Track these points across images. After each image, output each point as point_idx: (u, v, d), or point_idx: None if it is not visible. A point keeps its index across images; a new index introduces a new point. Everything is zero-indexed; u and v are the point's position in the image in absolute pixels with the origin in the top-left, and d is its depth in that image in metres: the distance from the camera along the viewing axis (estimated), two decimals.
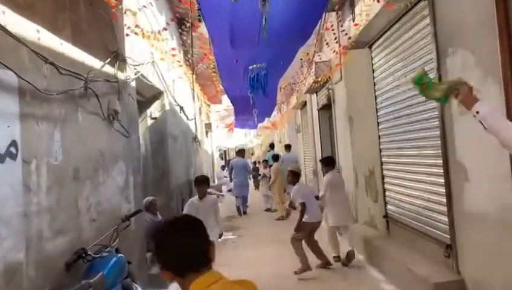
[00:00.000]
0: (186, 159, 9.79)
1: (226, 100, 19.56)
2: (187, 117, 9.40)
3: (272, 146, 15.71)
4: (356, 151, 7.04)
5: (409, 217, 4.92)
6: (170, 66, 7.91)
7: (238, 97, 12.46)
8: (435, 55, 3.92)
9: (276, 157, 11.97)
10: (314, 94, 10.46)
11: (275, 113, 20.85)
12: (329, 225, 5.99)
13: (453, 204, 3.83)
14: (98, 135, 3.73)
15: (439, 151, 3.98)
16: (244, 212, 11.73)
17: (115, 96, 4.24)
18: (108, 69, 4.15)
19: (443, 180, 3.95)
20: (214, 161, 23.46)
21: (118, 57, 4.41)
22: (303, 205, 5.55)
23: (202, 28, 7.69)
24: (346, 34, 5.82)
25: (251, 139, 33.70)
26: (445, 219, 4.00)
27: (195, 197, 5.37)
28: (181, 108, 8.53)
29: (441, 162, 3.95)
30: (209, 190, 14.82)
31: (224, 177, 22.67)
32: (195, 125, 11.22)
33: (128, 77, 4.83)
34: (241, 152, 14.03)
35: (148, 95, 6.86)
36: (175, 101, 7.98)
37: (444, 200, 3.96)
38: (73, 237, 3.04)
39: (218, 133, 27.25)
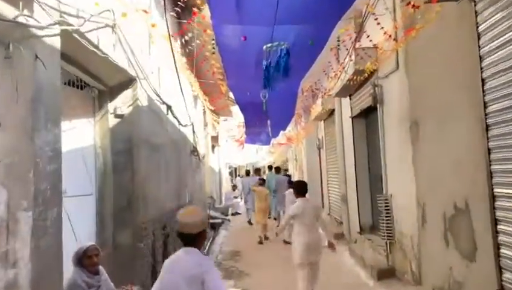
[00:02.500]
0: (178, 178, 7.42)
1: (237, 115, 17.39)
2: (179, 122, 7.06)
3: (270, 168, 15.14)
4: (425, 173, 4.59)
5: None
6: (154, 47, 5.64)
7: (248, 103, 10.11)
8: None
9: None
10: (347, 97, 8.07)
11: (289, 128, 18.54)
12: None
13: None
14: None
15: None
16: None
17: None
18: None
19: None
20: (221, 180, 21.06)
21: None
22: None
23: (205, 11, 5.49)
24: None
25: (263, 156, 31.27)
26: None
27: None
28: (169, 108, 6.21)
29: None
30: (212, 214, 12.37)
31: (234, 197, 20.24)
32: (194, 135, 8.88)
33: (41, 24, 2.55)
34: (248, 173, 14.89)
35: (108, 80, 4.57)
36: (159, 96, 5.66)
37: None
38: None
39: (226, 148, 24.96)
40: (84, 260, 3.24)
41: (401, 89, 5.17)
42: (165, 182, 6.20)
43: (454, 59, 3.77)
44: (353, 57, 6.05)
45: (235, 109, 17.75)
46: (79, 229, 4.22)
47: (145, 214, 4.97)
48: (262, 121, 11.76)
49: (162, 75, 6.13)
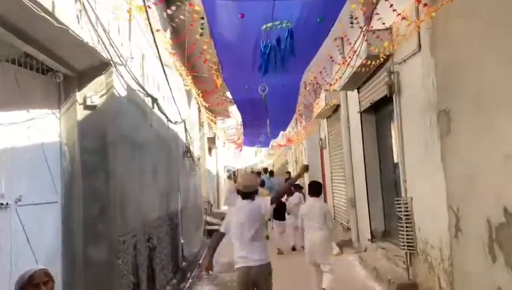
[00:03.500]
0: (168, 182, 6.63)
1: (235, 115, 16.59)
2: (168, 118, 6.26)
3: (266, 171, 15.42)
4: (460, 172, 3.80)
5: None
6: (137, 30, 4.85)
7: (246, 100, 9.33)
8: None
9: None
10: (355, 91, 7.29)
11: (289, 129, 17.75)
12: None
13: None
14: None
15: None
16: None
17: None
18: None
19: None
20: (219, 184, 20.23)
21: None
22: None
23: None
24: None
25: (262, 158, 30.47)
26: None
27: None
28: (155, 101, 5.42)
29: None
30: (208, 219, 11.52)
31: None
32: (187, 133, 8.09)
33: None
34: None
35: (75, 62, 3.78)
36: (141, 87, 4.86)
37: None
38: None
39: (224, 151, 24.15)
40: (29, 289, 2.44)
41: (425, 73, 4.39)
42: (151, 186, 5.40)
43: (502, 25, 3.00)
44: (367, 39, 5.27)
45: (233, 110, 17.05)
46: (39, 245, 3.42)
47: (124, 224, 4.16)
48: (261, 120, 10.97)
49: (147, 63, 5.35)
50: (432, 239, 4.53)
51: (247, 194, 3.85)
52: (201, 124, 12.63)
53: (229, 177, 25.99)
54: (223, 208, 20.71)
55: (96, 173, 3.90)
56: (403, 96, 5.15)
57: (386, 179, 6.92)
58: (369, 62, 5.20)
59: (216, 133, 16.82)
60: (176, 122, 6.70)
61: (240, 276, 3.78)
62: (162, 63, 4.81)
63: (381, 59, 5.15)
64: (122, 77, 4.22)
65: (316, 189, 5.38)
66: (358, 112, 7.19)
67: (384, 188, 7.03)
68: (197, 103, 10.23)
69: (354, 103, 7.63)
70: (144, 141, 5.11)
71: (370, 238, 7.08)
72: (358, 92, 7.18)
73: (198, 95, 8.39)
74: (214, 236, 4.22)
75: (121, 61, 4.18)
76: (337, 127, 9.45)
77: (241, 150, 24.73)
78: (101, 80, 3.97)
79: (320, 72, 7.73)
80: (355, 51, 5.80)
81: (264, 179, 12.16)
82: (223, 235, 4.01)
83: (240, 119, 13.06)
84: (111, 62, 3.96)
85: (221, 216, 16.11)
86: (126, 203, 4.28)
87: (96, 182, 3.89)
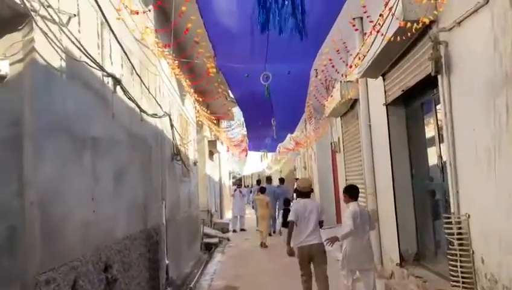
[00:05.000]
0: (144, 191, 5.28)
1: (239, 116, 15.22)
2: (140, 108, 4.89)
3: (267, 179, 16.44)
4: None
5: None
6: None
7: (247, 94, 8.01)
8: None
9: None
10: (379, 79, 5.90)
11: (297, 132, 16.33)
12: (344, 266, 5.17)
13: None
14: None
15: None
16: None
17: None
18: None
19: None
20: (222, 191, 18.84)
21: None
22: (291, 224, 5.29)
23: None
24: None
25: (268, 164, 29.03)
26: None
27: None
28: (117, 83, 4.05)
29: None
30: (206, 231, 10.09)
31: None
32: (173, 131, 6.74)
33: None
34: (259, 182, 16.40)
35: None
36: (91, 59, 3.49)
37: None
38: None
39: (228, 156, 22.82)
40: None
41: (497, 35, 2.99)
42: (112, 197, 4.04)
43: None
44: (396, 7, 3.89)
45: (237, 111, 15.70)
46: None
47: (51, 255, 2.80)
48: (266, 120, 9.61)
49: (107, 31, 4.01)
50: (504, 275, 3.11)
51: (305, 193, 5.48)
52: (199, 125, 11.28)
53: (235, 184, 24.32)
54: (228, 217, 19.32)
55: (1, 180, 2.55)
56: (454, 75, 3.74)
57: (421, 188, 5.50)
58: (410, 24, 3.78)
59: (218, 136, 15.49)
60: (155, 116, 5.34)
61: (304, 251, 5.13)
62: (117, 40, 3.42)
63: (423, 23, 3.76)
64: (53, 35, 2.88)
65: (356, 192, 5.36)
66: (384, 104, 5.78)
67: (417, 199, 5.61)
68: (194, 100, 8.89)
69: (377, 95, 6.24)
70: (101, 137, 3.76)
71: (399, 262, 5.65)
72: (384, 78, 5.78)
73: (187, 83, 7.04)
74: (289, 226, 5.30)
75: (51, 15, 2.84)
76: (354, 127, 8.04)
77: (246, 155, 23.39)
78: (13, 37, 2.64)
79: (332, 64, 6.33)
80: (382, 23, 4.41)
81: (265, 187, 13.21)
82: (293, 223, 5.22)
83: (242, 119, 11.71)
84: (30, 12, 2.62)
85: (222, 226, 14.73)
86: (59, 223, 2.92)
87: (1, 194, 2.55)
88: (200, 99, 8.34)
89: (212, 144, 14.61)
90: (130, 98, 4.33)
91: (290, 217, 5.28)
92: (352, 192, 5.31)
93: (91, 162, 3.54)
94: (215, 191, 16.41)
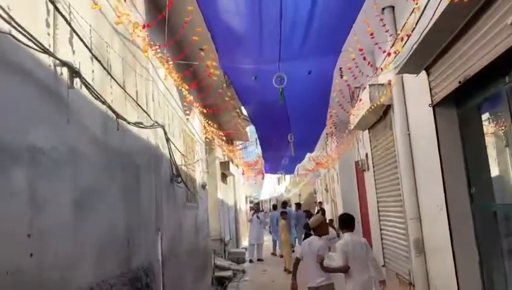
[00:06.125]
0: (128, 221, 4.14)
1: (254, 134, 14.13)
2: (117, 115, 3.76)
3: (284, 204, 14.99)
4: None
5: None
6: None
7: (258, 104, 6.93)
8: None
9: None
10: (422, 75, 4.71)
11: (317, 153, 15.08)
12: None
13: None
14: None
15: None
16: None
17: None
18: None
19: None
20: (237, 217, 17.56)
21: None
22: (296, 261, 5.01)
23: None
24: None
25: (286, 187, 27.65)
26: None
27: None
28: (74, 73, 2.96)
29: None
30: (218, 263, 8.71)
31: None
32: (169, 145, 5.64)
33: None
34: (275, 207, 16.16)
35: None
36: (28, 35, 2.43)
37: None
38: None
39: (243, 179, 21.65)
40: None
41: None
42: (71, 231, 2.91)
43: None
44: None
45: (251, 130, 14.62)
46: None
47: None
48: (282, 134, 8.44)
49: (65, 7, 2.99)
50: None
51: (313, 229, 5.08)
52: (208, 143, 10.20)
53: (253, 209, 22.87)
54: (244, 243, 17.95)
55: None
56: None
57: (483, 211, 4.21)
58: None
59: (231, 157, 14.38)
60: (139, 125, 4.24)
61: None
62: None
63: None
64: None
65: (352, 222, 4.66)
66: (430, 106, 4.57)
67: (479, 225, 4.31)
68: (198, 112, 7.83)
69: (417, 95, 5.05)
70: (47, 148, 2.66)
71: None
72: (429, 73, 4.60)
73: (189, 94, 5.98)
74: (295, 263, 4.99)
75: None
76: (386, 139, 6.81)
77: (263, 178, 22.17)
78: None
79: (356, 65, 5.22)
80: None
81: (286, 211, 12.77)
82: (299, 260, 4.94)
83: (256, 136, 10.59)
84: None
85: (239, 256, 13.38)
86: None
87: None
88: (205, 110, 7.25)
89: (225, 165, 13.49)
90: (97, 97, 3.25)
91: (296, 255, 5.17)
92: (346, 221, 4.65)
93: (27, 182, 2.43)
94: (229, 217, 15.16)
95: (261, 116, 7.03)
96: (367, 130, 8.00)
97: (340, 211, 13.38)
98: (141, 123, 4.21)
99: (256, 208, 23.27)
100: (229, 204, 15.69)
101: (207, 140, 9.88)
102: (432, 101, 4.56)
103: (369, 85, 6.20)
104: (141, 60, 4.97)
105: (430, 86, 4.58)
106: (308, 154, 13.82)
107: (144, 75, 5.04)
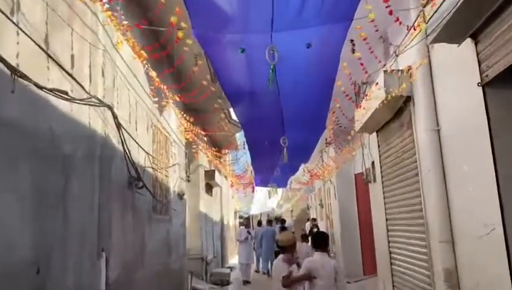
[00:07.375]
0: (46, 239, 2.77)
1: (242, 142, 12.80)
2: (10, 67, 2.42)
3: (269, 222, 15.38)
4: None
5: None
6: None
7: (245, 93, 5.61)
8: None
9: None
10: (466, 43, 3.45)
11: (312, 165, 13.76)
12: None
13: None
14: None
15: None
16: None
17: None
18: None
19: None
20: (224, 233, 16.06)
21: None
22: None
23: None
24: None
25: (278, 202, 26.16)
26: None
27: None
28: None
29: None
30: (197, 286, 7.43)
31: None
32: (121, 133, 4.27)
33: None
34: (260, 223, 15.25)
35: None
36: None
37: None
38: None
39: (231, 192, 20.21)
40: None
41: None
42: None
43: None
44: None
45: (240, 137, 13.33)
46: None
47: None
48: (275, 136, 7.14)
49: None
50: None
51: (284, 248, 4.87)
52: (189, 147, 8.82)
53: (242, 224, 21.39)
54: (232, 262, 16.48)
55: None
56: None
57: None
58: None
59: (219, 166, 12.99)
60: (57, 94, 2.86)
61: None
62: None
63: None
64: None
65: (326, 242, 4.56)
66: (479, 85, 3.29)
67: None
68: (171, 102, 6.47)
69: (454, 77, 3.79)
70: None
71: None
72: (477, 42, 3.34)
73: (156, 76, 4.64)
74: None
75: None
76: (402, 140, 5.52)
77: (253, 191, 20.74)
78: None
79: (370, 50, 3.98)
80: None
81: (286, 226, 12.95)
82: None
83: (244, 139, 9.27)
84: None
85: (223, 277, 11.89)
86: None
87: None
88: (181, 100, 5.93)
89: (210, 175, 12.07)
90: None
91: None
92: (320, 240, 4.53)
93: None
94: (214, 233, 13.68)
95: (249, 108, 5.73)
96: (375, 133, 6.70)
97: (337, 230, 12.02)
98: (66, 93, 2.85)
99: (246, 223, 21.77)
100: (214, 218, 14.22)
101: (188, 143, 8.53)
102: (481, 79, 3.29)
103: (384, 71, 4.93)
104: (85, 18, 3.67)
105: (478, 59, 3.31)
106: (302, 165, 12.53)
107: (89, 39, 3.72)
